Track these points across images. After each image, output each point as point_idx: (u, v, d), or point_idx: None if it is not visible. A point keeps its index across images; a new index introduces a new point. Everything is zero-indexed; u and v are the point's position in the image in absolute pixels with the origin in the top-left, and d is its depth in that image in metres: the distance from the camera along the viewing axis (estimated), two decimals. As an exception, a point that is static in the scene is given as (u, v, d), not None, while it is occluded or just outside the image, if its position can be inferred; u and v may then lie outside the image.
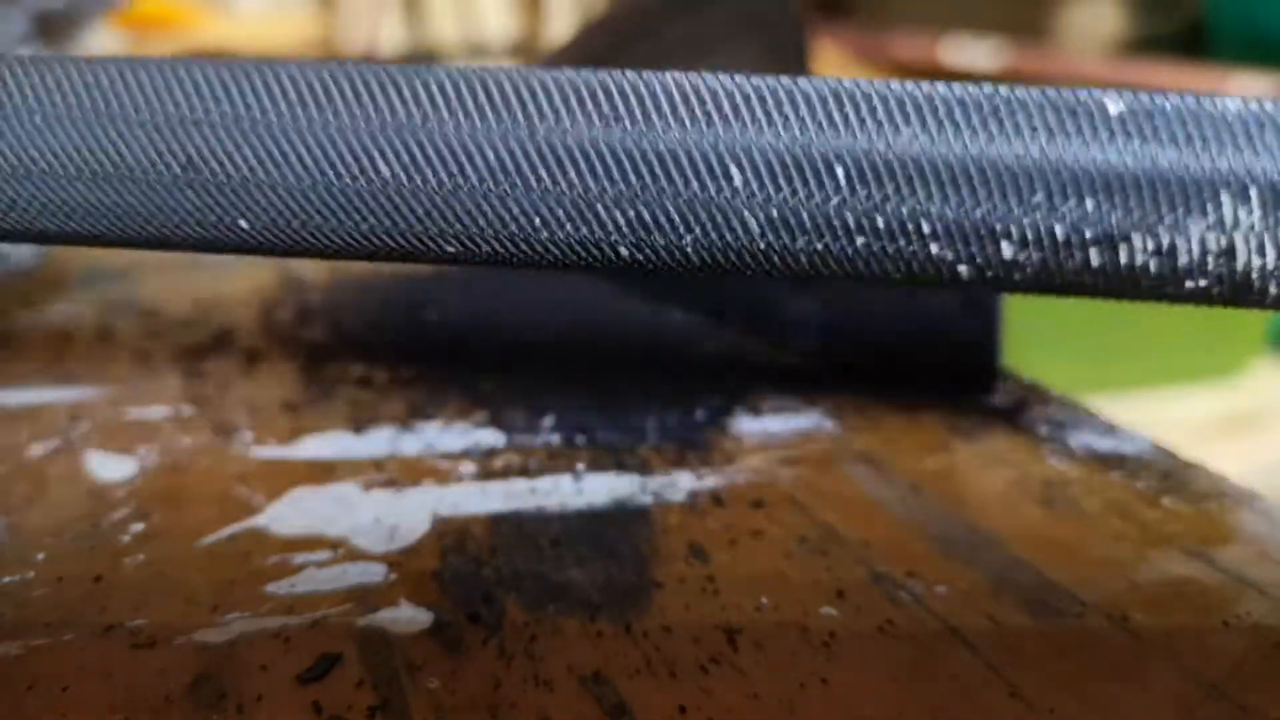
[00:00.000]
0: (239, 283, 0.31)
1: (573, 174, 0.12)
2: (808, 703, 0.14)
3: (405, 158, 0.12)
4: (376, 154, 0.12)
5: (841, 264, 0.12)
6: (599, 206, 0.12)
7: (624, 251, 0.13)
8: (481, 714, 0.14)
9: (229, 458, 0.21)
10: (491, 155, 0.12)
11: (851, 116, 0.12)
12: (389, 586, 0.17)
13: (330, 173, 0.12)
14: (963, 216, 0.12)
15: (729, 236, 0.12)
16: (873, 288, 0.23)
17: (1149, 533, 0.18)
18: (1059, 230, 0.12)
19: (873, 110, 0.12)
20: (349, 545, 0.18)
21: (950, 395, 0.23)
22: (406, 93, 0.12)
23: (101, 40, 0.84)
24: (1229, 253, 0.11)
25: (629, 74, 0.12)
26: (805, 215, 0.12)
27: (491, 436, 0.21)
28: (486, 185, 0.12)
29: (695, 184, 0.12)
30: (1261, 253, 0.11)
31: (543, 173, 0.12)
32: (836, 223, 0.12)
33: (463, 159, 0.12)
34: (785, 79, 0.12)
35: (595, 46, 0.33)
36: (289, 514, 0.19)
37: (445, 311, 0.28)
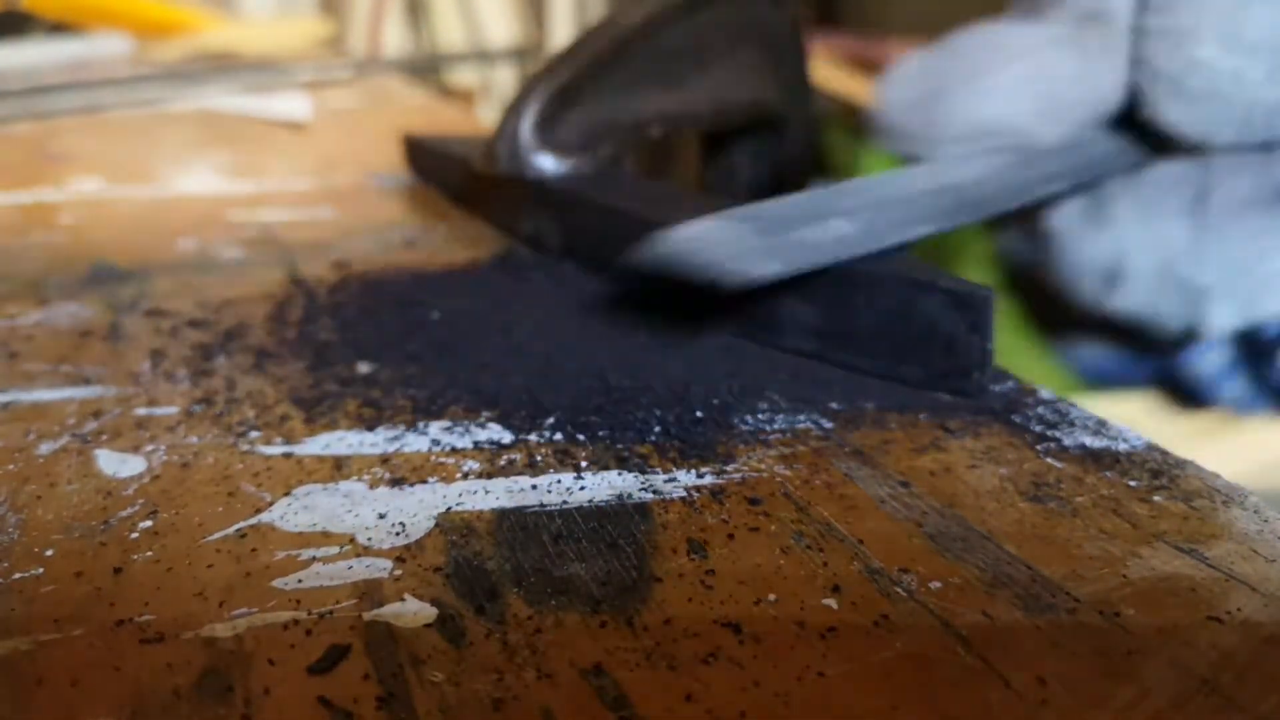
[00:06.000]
0: (248, 283, 0.31)
1: None
2: (805, 695, 0.14)
3: None
4: None
5: None
6: None
7: None
8: (485, 707, 0.14)
9: (237, 455, 0.21)
10: None
11: None
12: (395, 581, 0.17)
13: None
14: None
15: None
16: (867, 289, 0.23)
17: (1140, 529, 0.18)
18: None
19: None
20: (356, 541, 0.18)
21: (943, 394, 0.23)
22: None
23: (111, 45, 0.84)
24: None
25: None
26: None
27: (495, 434, 0.22)
28: None
29: None
30: None
31: None
32: None
33: None
34: None
35: (596, 52, 0.33)
36: (297, 510, 0.19)
37: (450, 311, 0.28)
